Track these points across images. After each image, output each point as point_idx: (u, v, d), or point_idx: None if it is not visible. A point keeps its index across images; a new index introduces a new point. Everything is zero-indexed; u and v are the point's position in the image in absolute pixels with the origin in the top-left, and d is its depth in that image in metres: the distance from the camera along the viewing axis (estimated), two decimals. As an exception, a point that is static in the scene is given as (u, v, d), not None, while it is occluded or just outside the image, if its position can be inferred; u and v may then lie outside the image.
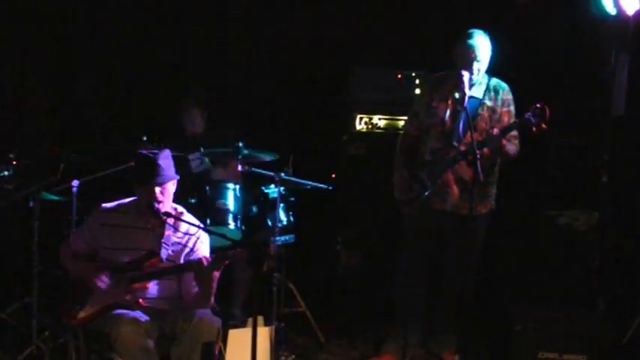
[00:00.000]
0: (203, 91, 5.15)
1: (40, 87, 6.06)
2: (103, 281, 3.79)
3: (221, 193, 4.82)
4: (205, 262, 3.74)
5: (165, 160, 3.88)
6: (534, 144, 4.70)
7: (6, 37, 5.90)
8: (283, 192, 4.79)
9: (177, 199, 4.01)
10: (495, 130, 4.46)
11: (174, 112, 5.34)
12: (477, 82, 4.59)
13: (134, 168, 4.01)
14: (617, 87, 5.61)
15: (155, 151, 3.89)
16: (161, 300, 3.86)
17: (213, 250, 3.97)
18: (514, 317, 4.53)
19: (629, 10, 5.21)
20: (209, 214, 4.70)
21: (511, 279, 5.67)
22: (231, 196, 4.83)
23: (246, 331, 3.80)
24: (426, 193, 4.62)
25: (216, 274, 3.81)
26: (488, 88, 4.65)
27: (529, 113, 4.33)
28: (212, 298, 3.88)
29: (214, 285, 3.84)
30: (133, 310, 3.75)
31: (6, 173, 5.02)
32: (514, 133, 4.54)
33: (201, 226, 4.01)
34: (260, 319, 4.14)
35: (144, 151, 3.90)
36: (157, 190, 3.82)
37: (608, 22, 5.41)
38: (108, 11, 6.13)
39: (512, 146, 4.56)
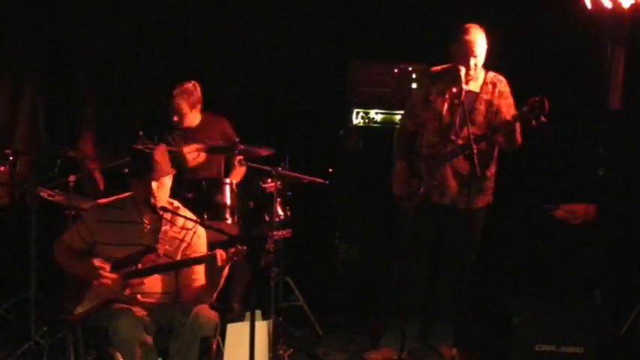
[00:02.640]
0: (191, 84, 5.14)
1: (38, 82, 6.04)
2: (104, 276, 3.76)
3: (218, 187, 4.82)
4: (219, 258, 3.69)
5: (162, 155, 3.89)
6: (531, 137, 4.71)
7: (5, 33, 5.89)
8: (280, 186, 4.79)
9: (174, 193, 4.01)
10: (509, 116, 4.47)
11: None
12: (475, 76, 4.60)
13: (130, 163, 4.01)
14: (614, 80, 5.62)
15: (151, 147, 3.89)
16: (159, 294, 3.86)
17: (211, 245, 3.96)
18: (512, 310, 4.54)
19: (625, 4, 5.22)
20: (206, 208, 4.69)
21: (509, 272, 5.69)
22: (228, 191, 4.83)
23: (245, 325, 3.79)
24: (423, 188, 4.63)
25: (226, 269, 3.79)
26: (485, 82, 4.66)
27: (528, 106, 4.34)
28: (216, 293, 3.87)
29: (222, 280, 3.82)
30: (130, 304, 3.75)
31: (2, 169, 5.01)
32: (517, 125, 4.54)
33: (198, 220, 4.01)
34: (258, 313, 4.16)
35: (140, 147, 3.91)
36: (154, 184, 3.83)
37: (604, 16, 5.42)
38: (106, 8, 6.11)
39: (517, 135, 4.57)
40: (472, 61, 4.53)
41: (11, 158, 4.94)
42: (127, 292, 3.75)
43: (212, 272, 3.80)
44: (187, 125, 5.17)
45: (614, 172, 5.52)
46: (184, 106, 5.07)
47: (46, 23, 6.00)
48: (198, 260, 3.82)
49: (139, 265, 3.76)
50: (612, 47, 5.61)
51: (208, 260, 3.75)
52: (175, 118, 5.09)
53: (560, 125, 5.37)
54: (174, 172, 3.96)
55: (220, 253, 3.70)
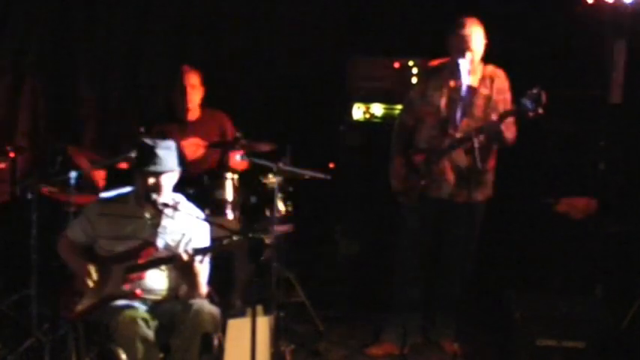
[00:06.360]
0: (195, 72, 5.13)
1: (37, 76, 6.03)
2: (91, 280, 3.78)
3: (219, 183, 4.82)
4: (185, 257, 3.69)
5: (167, 150, 3.85)
6: (532, 131, 4.70)
7: (3, 26, 5.89)
8: (281, 182, 4.79)
9: (175, 188, 4.00)
10: (494, 117, 4.47)
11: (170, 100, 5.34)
12: (472, 70, 4.58)
13: (137, 154, 3.97)
14: (615, 74, 5.61)
15: (157, 140, 3.87)
16: (159, 290, 3.86)
17: (212, 239, 3.96)
18: (513, 305, 4.54)
19: (626, -2, 5.22)
20: (207, 204, 4.69)
21: (509, 267, 5.69)
22: (229, 186, 4.83)
23: (246, 321, 3.80)
24: (422, 182, 4.63)
25: (201, 266, 3.77)
26: (483, 76, 4.65)
27: (525, 99, 4.32)
28: (201, 290, 3.86)
29: (199, 278, 3.80)
30: (130, 300, 3.76)
31: (3, 165, 5.01)
32: (511, 119, 4.54)
33: (199, 215, 4.00)
34: (259, 308, 4.16)
35: (147, 140, 3.88)
36: (151, 180, 3.81)
37: (605, 9, 5.41)
38: (107, 2, 6.11)
39: (510, 133, 4.56)
40: (469, 56, 4.51)
41: (12, 155, 4.94)
42: (127, 286, 3.75)
43: (183, 272, 3.78)
44: (189, 119, 5.17)
45: (615, 166, 5.51)
46: (196, 99, 5.10)
47: (46, 18, 5.99)
48: (164, 260, 3.78)
49: (139, 260, 3.77)
50: (613, 40, 5.60)
51: (173, 261, 3.74)
52: (189, 107, 5.09)
53: (561, 118, 5.38)
54: (179, 169, 3.93)
55: (186, 252, 3.69)
